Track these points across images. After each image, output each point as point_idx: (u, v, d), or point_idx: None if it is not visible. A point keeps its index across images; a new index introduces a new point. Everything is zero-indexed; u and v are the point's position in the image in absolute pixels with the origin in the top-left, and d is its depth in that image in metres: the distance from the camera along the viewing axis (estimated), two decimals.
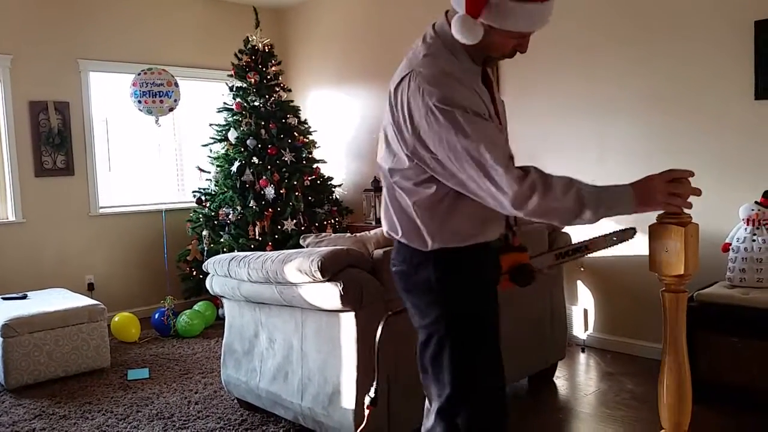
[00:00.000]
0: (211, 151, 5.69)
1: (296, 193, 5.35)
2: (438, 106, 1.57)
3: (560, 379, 3.75)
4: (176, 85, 5.30)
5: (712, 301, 3.28)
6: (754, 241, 3.33)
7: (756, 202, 3.39)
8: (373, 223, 5.47)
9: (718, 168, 3.64)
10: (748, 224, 3.38)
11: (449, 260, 1.75)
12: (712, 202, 3.54)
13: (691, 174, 1.59)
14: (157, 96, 5.19)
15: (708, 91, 3.68)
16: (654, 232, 1.63)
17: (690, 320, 3.51)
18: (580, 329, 4.37)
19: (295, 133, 5.60)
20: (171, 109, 5.30)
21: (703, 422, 2.89)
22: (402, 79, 1.68)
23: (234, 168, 5.37)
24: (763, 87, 3.45)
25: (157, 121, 5.33)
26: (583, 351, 4.24)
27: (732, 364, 3.17)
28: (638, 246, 3.92)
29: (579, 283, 4.39)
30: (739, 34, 3.52)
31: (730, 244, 3.43)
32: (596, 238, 2.09)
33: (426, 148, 1.63)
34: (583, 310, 4.36)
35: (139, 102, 5.20)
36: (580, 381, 3.78)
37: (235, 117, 5.51)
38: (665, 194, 1.57)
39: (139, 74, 5.23)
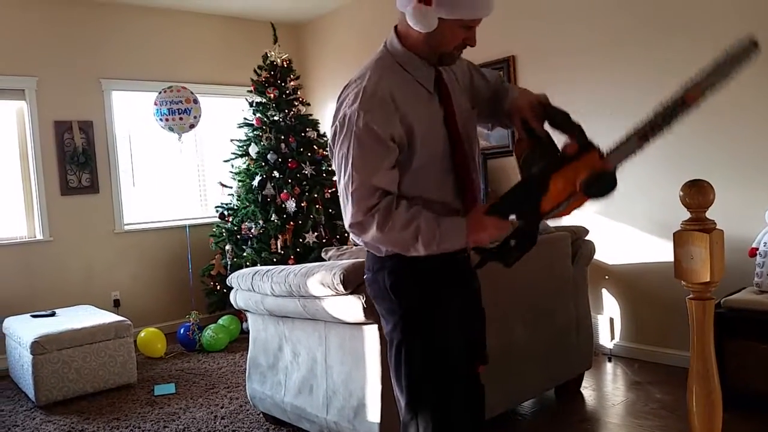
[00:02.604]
0: (232, 166, 5.75)
1: (317, 206, 5.38)
2: (348, 116, 1.67)
3: (587, 389, 3.71)
4: (195, 102, 5.37)
5: (740, 307, 3.23)
6: None
7: None
8: None
9: (743, 172, 3.59)
10: None
11: (401, 267, 1.78)
12: (737, 207, 3.50)
13: None
14: (176, 113, 5.27)
15: (729, 93, 3.62)
16: (679, 240, 1.61)
17: (718, 327, 3.43)
18: (606, 338, 4.32)
19: (314, 147, 5.64)
20: (192, 126, 5.37)
21: (733, 431, 2.84)
22: (345, 87, 1.79)
23: (255, 182, 5.42)
24: None
25: (179, 139, 5.40)
26: (609, 360, 4.19)
27: (762, 371, 3.11)
28: (663, 253, 3.90)
29: (604, 291, 4.35)
30: (759, 35, 3.47)
31: (757, 249, 3.37)
32: (694, 84, 1.50)
33: (332, 144, 1.75)
34: (609, 319, 4.31)
35: (161, 120, 5.29)
36: (608, 391, 3.74)
37: (255, 132, 5.57)
38: (495, 230, 1.65)
39: (160, 92, 5.32)
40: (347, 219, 1.70)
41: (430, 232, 1.64)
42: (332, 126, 1.75)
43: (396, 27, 1.80)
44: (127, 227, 5.75)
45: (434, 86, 1.79)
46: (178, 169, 6.05)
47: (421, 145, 1.72)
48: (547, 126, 1.72)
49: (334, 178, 5.66)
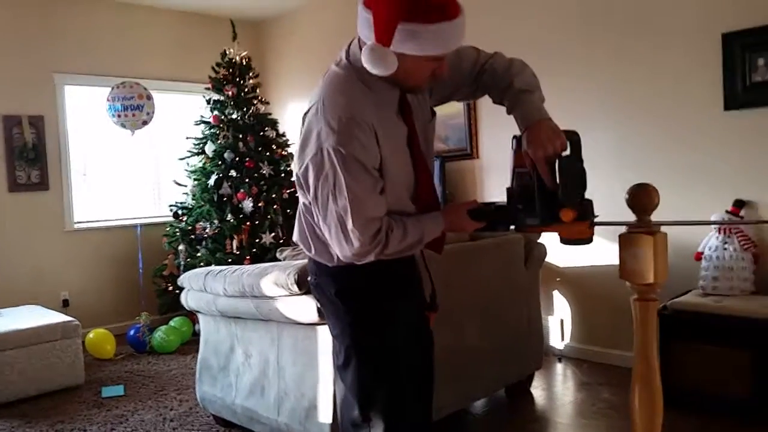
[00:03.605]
0: (188, 164, 5.66)
1: (274, 207, 5.34)
2: (328, 151, 1.57)
3: (537, 390, 3.76)
4: (149, 98, 5.27)
5: (685, 309, 3.32)
6: (725, 249, 3.38)
7: (727, 211, 3.44)
8: None
9: (690, 177, 3.69)
10: (719, 233, 3.43)
11: (346, 274, 1.78)
12: (684, 212, 3.59)
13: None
14: (129, 110, 5.16)
15: (679, 101, 3.74)
16: (624, 241, 1.65)
17: (663, 328, 3.51)
18: (556, 339, 4.39)
19: (273, 146, 5.59)
20: (145, 123, 5.27)
21: (676, 429, 2.92)
22: (311, 107, 1.69)
23: (211, 181, 5.34)
24: (731, 98, 3.51)
25: (132, 135, 5.29)
26: (559, 361, 4.26)
27: (705, 372, 3.20)
28: (612, 256, 3.97)
29: (555, 293, 4.42)
30: (708, 46, 3.59)
31: (703, 253, 3.47)
32: None
33: (305, 180, 1.66)
34: (559, 320, 4.38)
35: (114, 116, 5.18)
36: (557, 391, 3.80)
37: (212, 130, 5.49)
38: (471, 226, 1.76)
39: (113, 88, 5.21)
40: (349, 250, 1.63)
41: (418, 234, 1.70)
42: (303, 155, 1.64)
43: (359, 39, 1.65)
44: (77, 225, 5.60)
45: (398, 106, 1.72)
46: (131, 167, 5.92)
47: (389, 166, 1.67)
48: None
49: (293, 179, 5.63)
